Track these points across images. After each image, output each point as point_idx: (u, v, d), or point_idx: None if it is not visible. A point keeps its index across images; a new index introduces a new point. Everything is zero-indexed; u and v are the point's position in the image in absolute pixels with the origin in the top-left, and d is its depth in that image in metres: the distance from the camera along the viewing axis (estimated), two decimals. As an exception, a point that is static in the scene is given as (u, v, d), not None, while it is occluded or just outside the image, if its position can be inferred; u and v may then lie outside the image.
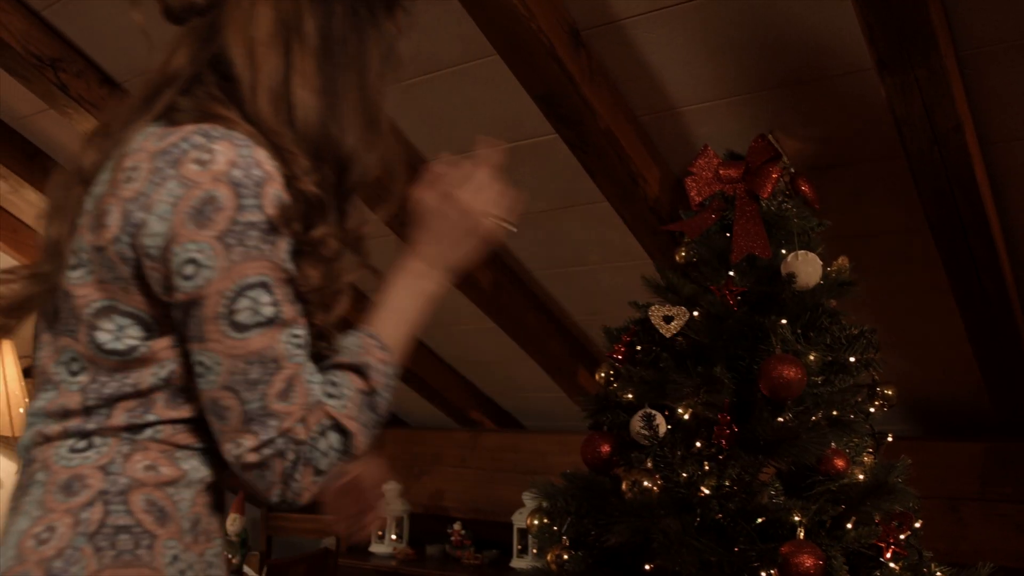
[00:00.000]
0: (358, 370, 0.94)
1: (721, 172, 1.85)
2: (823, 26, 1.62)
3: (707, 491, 1.62)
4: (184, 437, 0.92)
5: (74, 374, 0.93)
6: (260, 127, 0.90)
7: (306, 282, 0.92)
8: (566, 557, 1.70)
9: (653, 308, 1.76)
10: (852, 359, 1.77)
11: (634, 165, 1.89)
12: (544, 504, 1.91)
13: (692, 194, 1.89)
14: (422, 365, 3.07)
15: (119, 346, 0.91)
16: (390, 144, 1.04)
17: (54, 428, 0.92)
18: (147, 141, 0.89)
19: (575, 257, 2.42)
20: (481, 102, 2.00)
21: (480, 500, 3.17)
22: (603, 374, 1.91)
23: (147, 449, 0.92)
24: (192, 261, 0.86)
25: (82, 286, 0.91)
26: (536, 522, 1.89)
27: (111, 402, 0.92)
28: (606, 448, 1.77)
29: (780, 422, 1.65)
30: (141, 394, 0.92)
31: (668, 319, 1.75)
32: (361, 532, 1.14)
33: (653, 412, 1.69)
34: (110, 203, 0.89)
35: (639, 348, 1.84)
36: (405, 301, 1.03)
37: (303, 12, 0.92)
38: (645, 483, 1.62)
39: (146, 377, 0.92)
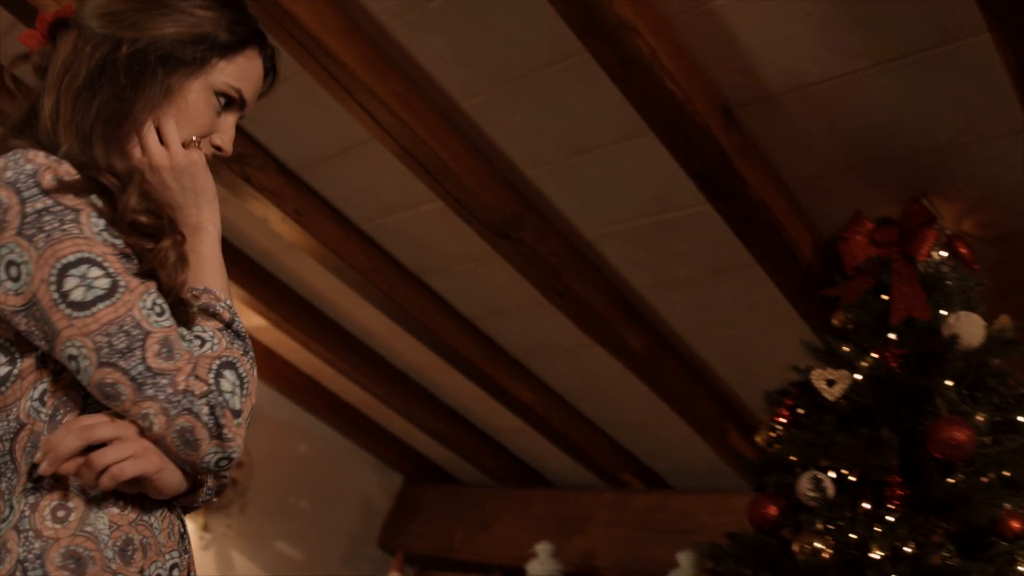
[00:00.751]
0: (206, 312, 1.04)
1: (876, 236, 1.90)
2: (974, 92, 1.67)
3: (879, 553, 1.64)
4: None
5: None
6: (41, 142, 1.04)
7: (140, 251, 1.01)
8: (740, 618, 1.74)
9: (815, 372, 1.81)
10: (1021, 419, 1.77)
11: (787, 233, 1.96)
12: (709, 565, 1.95)
13: (847, 259, 1.93)
14: (572, 428, 3.16)
15: None
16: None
17: None
18: None
19: (725, 320, 2.48)
20: (635, 177, 2.11)
21: (632, 560, 3.21)
22: (764, 436, 1.96)
23: (51, 491, 0.98)
24: (11, 263, 0.95)
25: None
26: (703, 583, 1.93)
27: (7, 443, 0.99)
28: (773, 510, 1.82)
29: (951, 483, 1.66)
30: (24, 425, 0.99)
31: (831, 382, 1.79)
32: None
33: (820, 475, 1.73)
34: None
35: (800, 411, 1.88)
36: (207, 251, 1.11)
37: (81, 61, 1.08)
38: (817, 545, 1.65)
39: (24, 405, 1.00)
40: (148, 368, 0.95)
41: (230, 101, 1.16)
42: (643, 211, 2.20)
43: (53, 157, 1.01)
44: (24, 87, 1.17)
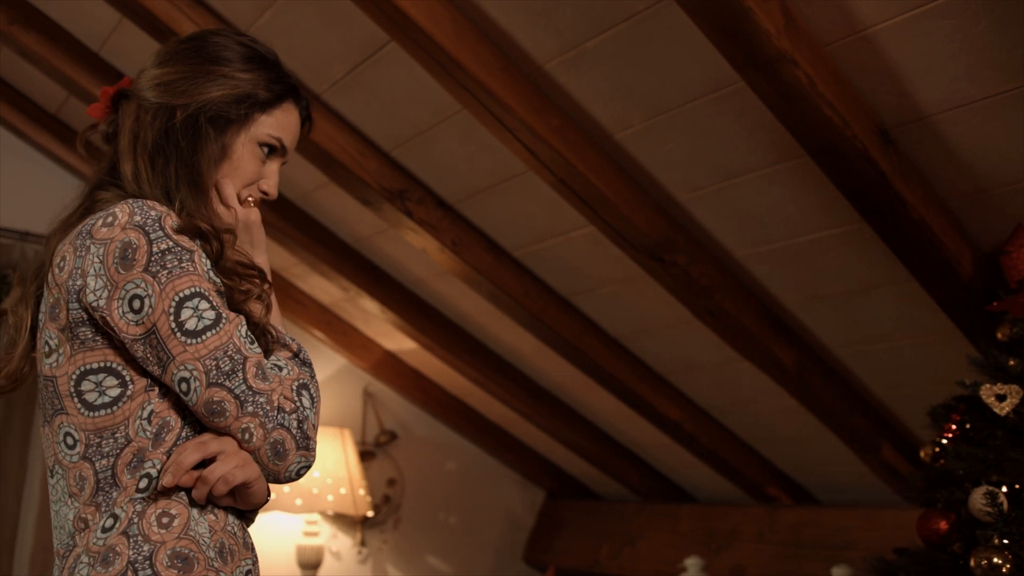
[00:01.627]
0: (278, 344, 1.20)
1: (1040, 250, 1.89)
2: None
3: (1060, 568, 1.64)
4: None
5: (71, 447, 1.14)
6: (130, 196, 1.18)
7: (231, 291, 1.17)
8: (916, 631, 1.76)
9: (984, 387, 1.82)
10: None
11: (947, 249, 1.97)
12: (877, 579, 1.97)
13: (1010, 272, 1.93)
14: (719, 443, 3.20)
15: (105, 398, 1.12)
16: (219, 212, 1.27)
17: (87, 511, 1.12)
18: (66, 239, 1.17)
19: (876, 335, 2.49)
20: (786, 199, 2.15)
21: (784, 575, 3.21)
22: (929, 451, 1.97)
23: (155, 500, 1.10)
24: (136, 297, 1.09)
25: (59, 367, 1.14)
26: (872, 597, 1.95)
27: (111, 459, 1.11)
28: (944, 525, 1.83)
29: None
30: (131, 441, 1.12)
31: (1001, 397, 1.80)
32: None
33: (994, 489, 1.74)
34: (54, 292, 1.14)
35: (968, 426, 1.89)
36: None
37: (144, 130, 1.23)
38: (995, 560, 1.66)
39: (133, 424, 1.12)
40: (249, 387, 1.10)
41: (272, 149, 1.31)
42: (794, 231, 2.24)
43: (166, 207, 1.17)
44: (95, 150, 1.35)
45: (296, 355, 1.22)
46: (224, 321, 1.12)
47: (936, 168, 1.93)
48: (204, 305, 1.12)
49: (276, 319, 1.27)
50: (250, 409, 1.10)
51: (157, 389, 1.15)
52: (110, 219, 1.13)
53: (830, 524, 3.19)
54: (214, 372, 1.10)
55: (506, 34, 2.01)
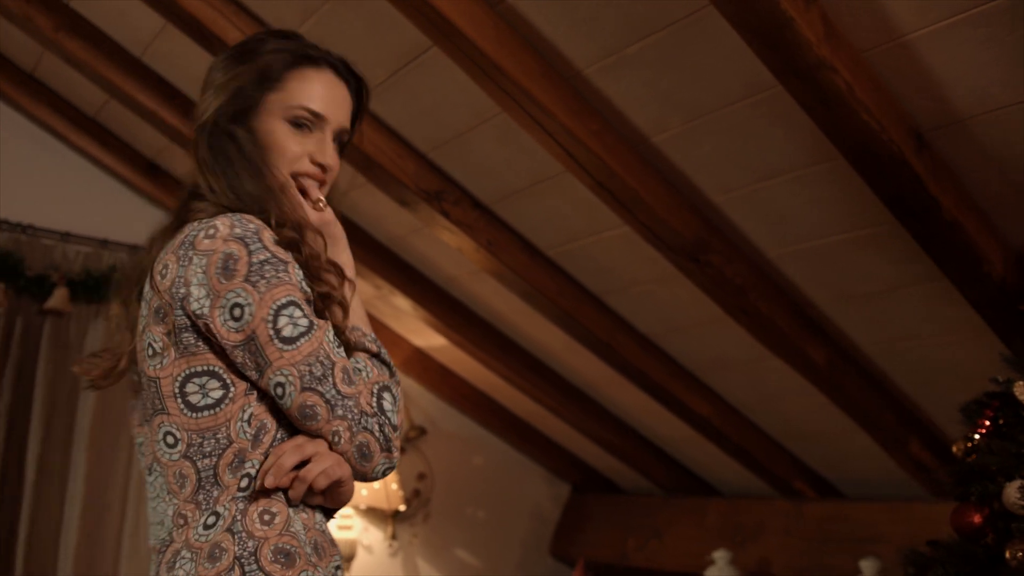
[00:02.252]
0: (359, 346, 1.25)
1: (1072, 250, 1.94)
2: None
3: (1093, 560, 1.69)
4: None
5: (171, 446, 1.18)
6: (223, 205, 1.24)
7: (320, 295, 1.23)
8: (950, 622, 1.81)
9: (1018, 384, 1.87)
10: None
11: (980, 249, 2.02)
12: (912, 571, 2.02)
13: (1042, 272, 1.98)
14: (747, 438, 3.25)
15: (208, 400, 1.17)
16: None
17: (187, 507, 1.18)
18: (167, 247, 1.22)
19: (906, 333, 2.53)
20: (820, 200, 2.20)
21: (810, 568, 3.26)
22: (961, 446, 2.02)
23: (256, 499, 1.15)
24: (236, 305, 1.14)
25: (163, 369, 1.19)
26: (905, 588, 2.00)
27: (214, 459, 1.16)
28: (978, 518, 1.88)
29: None
30: (232, 442, 1.17)
31: (1033, 394, 1.84)
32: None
33: (1026, 484, 1.79)
34: (158, 298, 1.19)
35: (1001, 422, 1.93)
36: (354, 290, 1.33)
37: (202, 153, 1.29)
38: (1029, 552, 1.71)
39: (233, 426, 1.17)
40: (338, 392, 1.16)
41: (301, 121, 1.33)
42: (826, 231, 2.29)
43: (261, 221, 1.22)
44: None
45: (376, 356, 1.27)
46: (315, 328, 1.17)
47: (969, 171, 1.98)
48: (298, 313, 1.16)
49: (360, 318, 1.31)
50: (339, 413, 1.16)
51: (256, 393, 1.19)
52: (212, 231, 1.18)
53: (856, 518, 3.24)
54: (307, 377, 1.15)
55: (547, 40, 2.07)
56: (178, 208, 1.34)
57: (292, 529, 1.18)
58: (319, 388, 1.15)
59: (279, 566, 1.14)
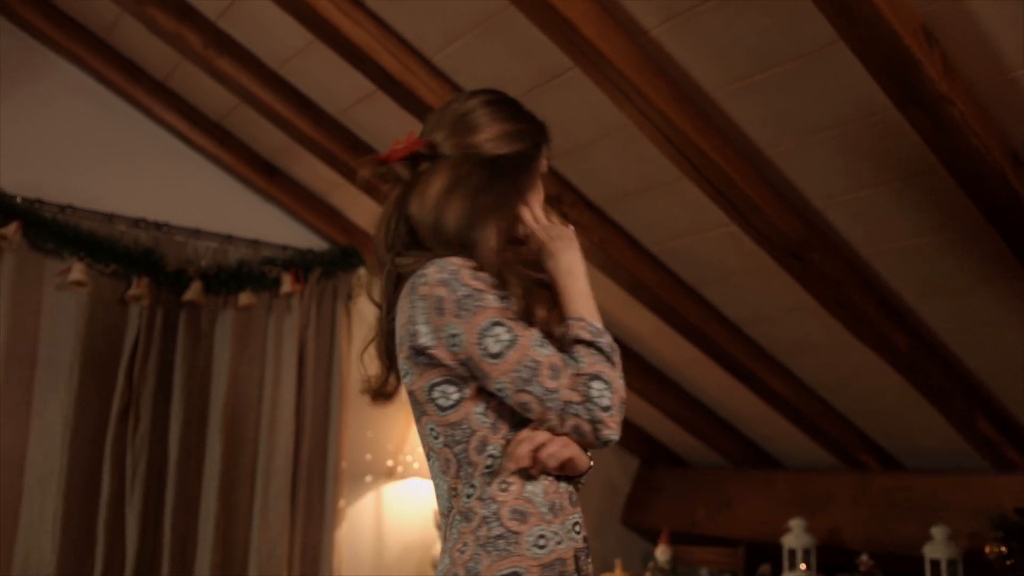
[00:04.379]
0: (576, 340, 1.49)
1: None
2: None
3: None
4: None
5: (435, 438, 1.53)
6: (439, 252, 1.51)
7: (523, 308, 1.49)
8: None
9: (1102, 372, 2.15)
10: None
11: (1065, 253, 2.30)
12: (1000, 534, 2.32)
13: (1119, 273, 2.26)
14: (819, 415, 3.54)
15: (450, 402, 1.51)
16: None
17: (455, 483, 1.51)
18: (401, 294, 1.53)
19: (984, 321, 2.81)
20: (917, 207, 2.48)
21: (879, 535, 3.56)
22: (1044, 425, 2.30)
23: (496, 474, 1.47)
24: (452, 335, 1.46)
25: (413, 384, 1.53)
26: (996, 550, 2.30)
27: (464, 445, 1.49)
28: (1065, 487, 2.17)
29: None
30: (475, 432, 1.49)
31: (1116, 381, 2.13)
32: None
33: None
34: (400, 332, 1.53)
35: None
36: (576, 286, 1.56)
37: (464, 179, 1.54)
38: (1115, 516, 2.01)
39: (473, 418, 1.49)
40: (545, 388, 1.45)
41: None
42: (917, 233, 2.57)
43: (460, 259, 1.49)
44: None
45: (591, 344, 1.53)
46: (519, 338, 1.46)
47: (1057, 184, 2.25)
48: (500, 330, 1.45)
49: (582, 309, 1.56)
50: (548, 405, 1.46)
51: (486, 391, 1.51)
52: (423, 279, 1.50)
53: (920, 489, 3.54)
54: (518, 381, 1.45)
55: (682, 68, 2.34)
56: (388, 265, 1.62)
57: (526, 494, 1.48)
58: (528, 388, 1.45)
59: (515, 522, 1.46)
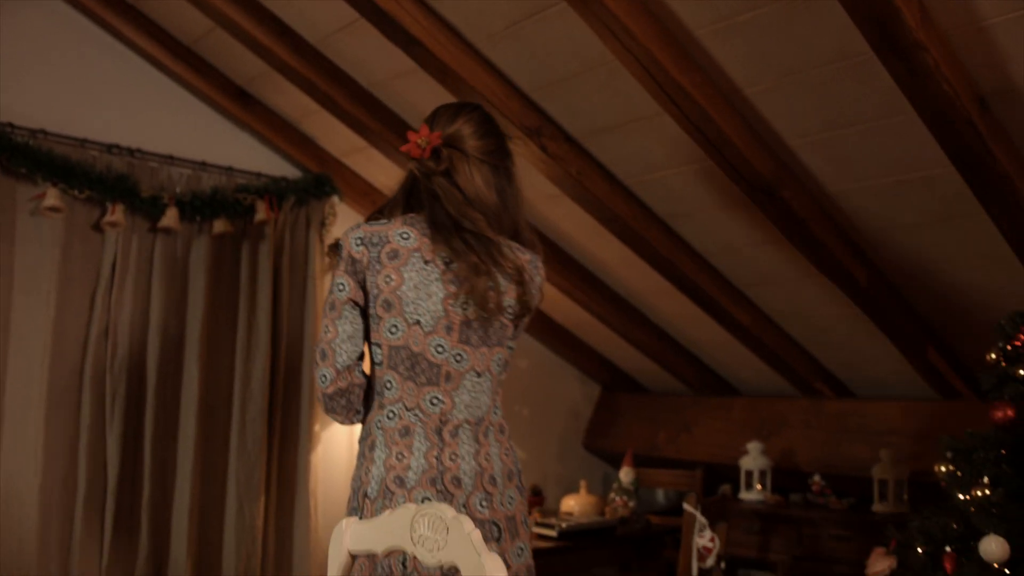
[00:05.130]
0: None
1: (1098, 197, 2.36)
2: None
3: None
4: None
5: (501, 366, 1.98)
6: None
7: None
8: (990, 492, 2.28)
9: (1051, 306, 2.31)
10: None
11: (1020, 195, 2.43)
12: (949, 455, 2.49)
13: (1071, 214, 2.40)
14: (778, 344, 3.70)
15: (514, 347, 2.03)
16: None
17: (497, 400, 1.97)
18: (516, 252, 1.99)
19: (942, 258, 2.95)
20: (885, 148, 2.59)
21: (831, 457, 3.77)
22: (996, 354, 2.47)
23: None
24: (540, 288, 2.05)
25: (513, 331, 2.01)
26: (945, 469, 2.47)
27: (502, 377, 1.99)
28: (1012, 412, 2.34)
29: None
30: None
31: (1063, 315, 2.29)
32: None
33: (1055, 385, 2.25)
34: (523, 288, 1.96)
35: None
36: None
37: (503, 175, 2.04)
38: (1056, 438, 2.18)
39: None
40: None
41: None
42: (885, 173, 2.68)
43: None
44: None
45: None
46: None
47: (1018, 130, 2.37)
48: None
49: None
50: None
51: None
52: (538, 266, 2.08)
53: (872, 414, 3.75)
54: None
55: (667, 6, 2.39)
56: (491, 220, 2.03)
57: None
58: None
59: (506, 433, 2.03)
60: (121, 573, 3.25)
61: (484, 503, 1.91)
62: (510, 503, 1.96)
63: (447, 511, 1.50)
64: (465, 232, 1.92)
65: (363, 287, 1.93)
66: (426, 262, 1.92)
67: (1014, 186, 2.41)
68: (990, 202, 2.51)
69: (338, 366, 1.94)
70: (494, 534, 1.93)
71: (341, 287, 1.93)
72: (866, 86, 2.41)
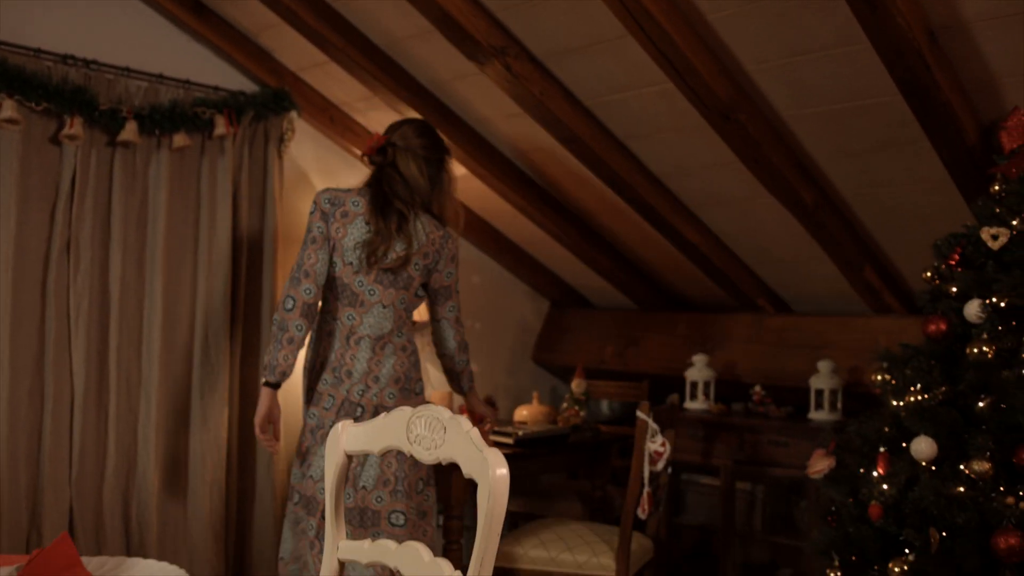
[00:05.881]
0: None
1: (1030, 126, 2.52)
2: None
3: (1026, 355, 2.37)
4: None
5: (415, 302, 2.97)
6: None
7: None
8: (921, 398, 2.48)
9: (983, 229, 2.49)
10: None
11: (961, 123, 2.59)
12: (884, 365, 2.69)
13: (1005, 143, 2.57)
14: (724, 262, 3.87)
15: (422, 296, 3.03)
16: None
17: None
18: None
19: (885, 181, 3.12)
20: (839, 75, 2.71)
21: (770, 369, 3.99)
22: (930, 274, 2.65)
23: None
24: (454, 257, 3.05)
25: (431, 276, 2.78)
26: (880, 378, 2.67)
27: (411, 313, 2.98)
28: (944, 326, 2.53)
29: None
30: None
31: (995, 237, 2.47)
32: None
33: (984, 302, 2.44)
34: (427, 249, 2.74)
35: (964, 257, 2.57)
36: None
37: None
38: (984, 349, 2.38)
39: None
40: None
41: None
42: (837, 100, 2.82)
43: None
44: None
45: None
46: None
47: (962, 60, 2.51)
48: None
49: None
50: None
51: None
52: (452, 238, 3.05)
53: (810, 329, 3.96)
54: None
55: (637, -68, 2.45)
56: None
57: None
58: None
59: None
60: (90, 485, 3.33)
61: (360, 392, 2.85)
62: (389, 398, 2.86)
63: (443, 412, 1.62)
64: (391, 208, 2.87)
65: (327, 232, 2.87)
66: (365, 223, 2.86)
67: (955, 115, 2.56)
68: (932, 130, 2.66)
69: (319, 283, 2.86)
70: (356, 413, 2.83)
71: (319, 228, 2.88)
72: (825, 16, 2.52)
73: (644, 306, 4.62)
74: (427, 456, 1.63)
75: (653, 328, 4.53)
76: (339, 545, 1.77)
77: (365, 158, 3.01)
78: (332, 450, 1.78)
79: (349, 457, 1.79)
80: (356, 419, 2.75)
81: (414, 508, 2.85)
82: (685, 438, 3.86)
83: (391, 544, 1.68)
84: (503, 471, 1.44)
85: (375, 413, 2.79)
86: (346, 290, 2.88)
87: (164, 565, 1.36)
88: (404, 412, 1.69)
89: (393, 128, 2.99)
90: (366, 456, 2.78)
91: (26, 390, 3.20)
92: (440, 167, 2.99)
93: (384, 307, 2.87)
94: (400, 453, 2.76)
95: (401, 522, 2.82)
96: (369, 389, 2.83)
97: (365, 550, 1.72)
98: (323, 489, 2.78)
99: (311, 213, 2.88)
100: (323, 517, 2.77)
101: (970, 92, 2.61)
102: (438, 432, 1.61)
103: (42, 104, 3.19)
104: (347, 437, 1.78)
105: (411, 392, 2.91)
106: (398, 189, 2.90)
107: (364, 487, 2.80)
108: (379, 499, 2.80)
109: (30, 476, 3.21)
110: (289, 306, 2.81)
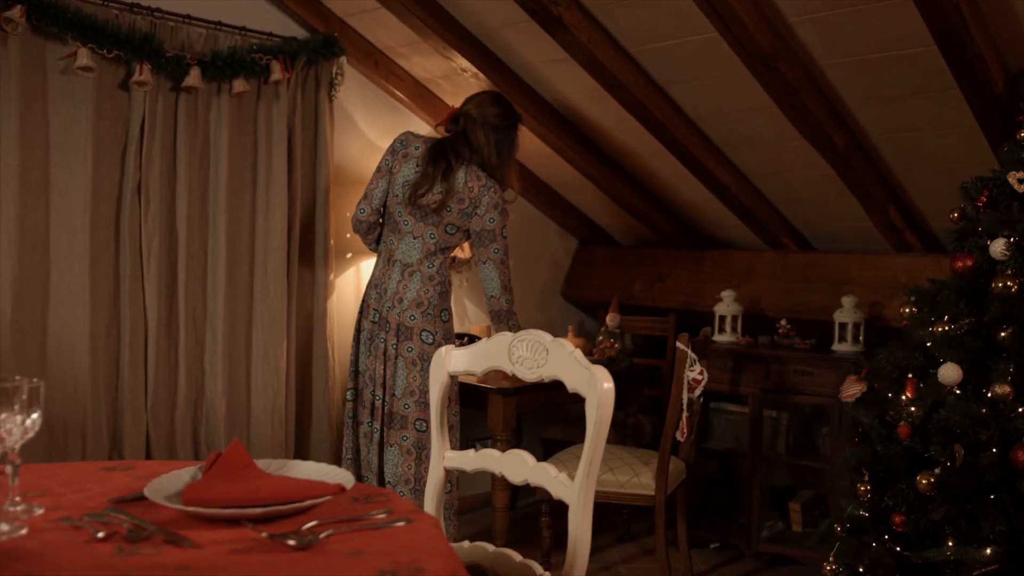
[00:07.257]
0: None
1: (1057, 76, 2.71)
2: None
3: (1047, 289, 2.59)
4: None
5: (451, 234, 3.29)
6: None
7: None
8: (948, 328, 2.71)
9: (1011, 173, 2.68)
10: None
11: (991, 73, 2.77)
12: (912, 298, 2.90)
13: (1032, 91, 2.76)
14: (752, 202, 4.07)
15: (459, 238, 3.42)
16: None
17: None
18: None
19: (913, 126, 3.31)
20: (875, 27, 2.88)
21: (795, 304, 4.22)
22: (957, 214, 2.85)
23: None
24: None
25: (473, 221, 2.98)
26: (908, 311, 2.89)
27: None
28: (970, 262, 2.74)
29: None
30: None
31: (1021, 180, 2.67)
32: None
33: (1009, 241, 2.65)
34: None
35: (990, 199, 2.77)
36: None
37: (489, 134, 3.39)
38: (1008, 283, 2.60)
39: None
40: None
41: None
42: (873, 48, 2.99)
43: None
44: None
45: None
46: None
47: (994, 13, 2.68)
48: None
49: None
50: None
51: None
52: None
53: (833, 265, 4.18)
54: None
55: None
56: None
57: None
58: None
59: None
60: (164, 411, 3.57)
61: (388, 308, 3.34)
62: (411, 319, 3.29)
63: (545, 336, 1.83)
64: (443, 157, 3.30)
65: (391, 165, 3.40)
66: (416, 165, 3.34)
67: (987, 66, 2.74)
68: (963, 80, 2.84)
69: (374, 205, 3.44)
70: (385, 327, 3.33)
71: (386, 161, 3.42)
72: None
73: (671, 244, 4.83)
74: (529, 375, 1.85)
75: (680, 265, 4.74)
76: (445, 455, 2.00)
77: (440, 127, 3.49)
78: (436, 371, 2.00)
79: (452, 377, 2.01)
80: (385, 331, 3.33)
81: None
82: (715, 368, 4.10)
83: (495, 452, 1.91)
84: (609, 384, 1.66)
85: (398, 329, 3.29)
86: (391, 218, 3.40)
87: (322, 466, 1.58)
88: (505, 337, 1.90)
89: (469, 99, 3.42)
90: (396, 368, 3.28)
91: (104, 323, 3.41)
92: (508, 133, 3.40)
93: (415, 238, 3.32)
94: (425, 369, 3.23)
95: (424, 428, 3.29)
96: (394, 308, 3.31)
97: (470, 459, 1.95)
98: (355, 390, 3.48)
99: (388, 148, 3.43)
100: (360, 406, 3.46)
101: (1000, 44, 2.79)
102: (540, 353, 1.83)
103: (113, 52, 3.35)
104: (451, 359, 2.00)
105: (436, 318, 3.30)
106: (459, 147, 3.33)
107: (395, 395, 3.31)
108: (406, 406, 3.30)
109: (110, 403, 3.44)
110: (351, 215, 3.53)
